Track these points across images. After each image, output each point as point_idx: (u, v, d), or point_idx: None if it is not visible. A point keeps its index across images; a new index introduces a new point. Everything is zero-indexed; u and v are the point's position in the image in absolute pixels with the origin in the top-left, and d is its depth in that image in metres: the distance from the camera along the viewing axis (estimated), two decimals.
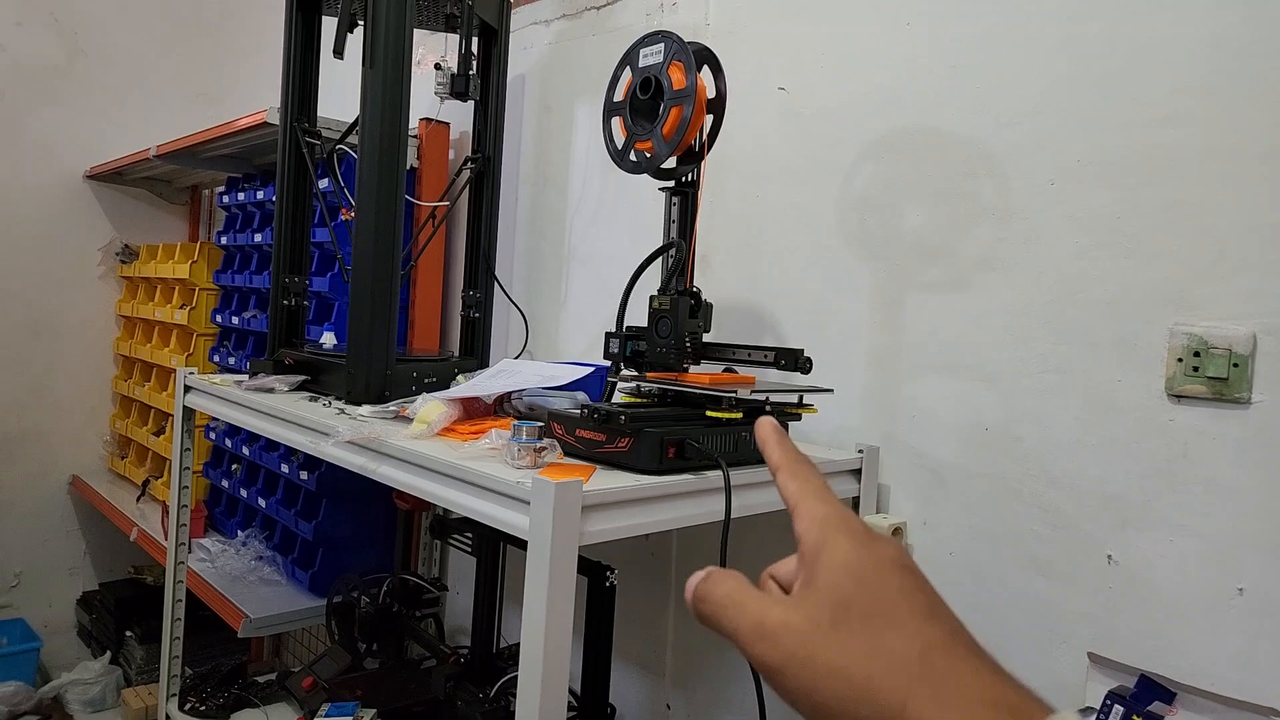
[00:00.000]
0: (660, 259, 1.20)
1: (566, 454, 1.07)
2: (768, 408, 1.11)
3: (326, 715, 1.37)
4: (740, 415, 1.04)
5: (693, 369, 1.16)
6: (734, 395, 1.05)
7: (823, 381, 1.33)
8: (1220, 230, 0.97)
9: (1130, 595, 1.02)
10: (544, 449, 1.01)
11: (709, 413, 1.03)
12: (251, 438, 2.10)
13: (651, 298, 1.14)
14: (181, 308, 2.50)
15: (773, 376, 1.40)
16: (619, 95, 1.19)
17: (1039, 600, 1.09)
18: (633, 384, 1.15)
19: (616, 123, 1.20)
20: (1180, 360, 0.98)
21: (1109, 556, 1.04)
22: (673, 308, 1.10)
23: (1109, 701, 0.95)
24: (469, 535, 1.50)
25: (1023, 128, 1.13)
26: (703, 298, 1.15)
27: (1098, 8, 1.07)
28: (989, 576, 1.14)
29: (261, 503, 2.05)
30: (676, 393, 1.11)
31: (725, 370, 1.22)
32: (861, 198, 1.31)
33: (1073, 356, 1.08)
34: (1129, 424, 1.03)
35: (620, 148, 1.18)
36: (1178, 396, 0.99)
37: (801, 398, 1.15)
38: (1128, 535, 1.02)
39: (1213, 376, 0.96)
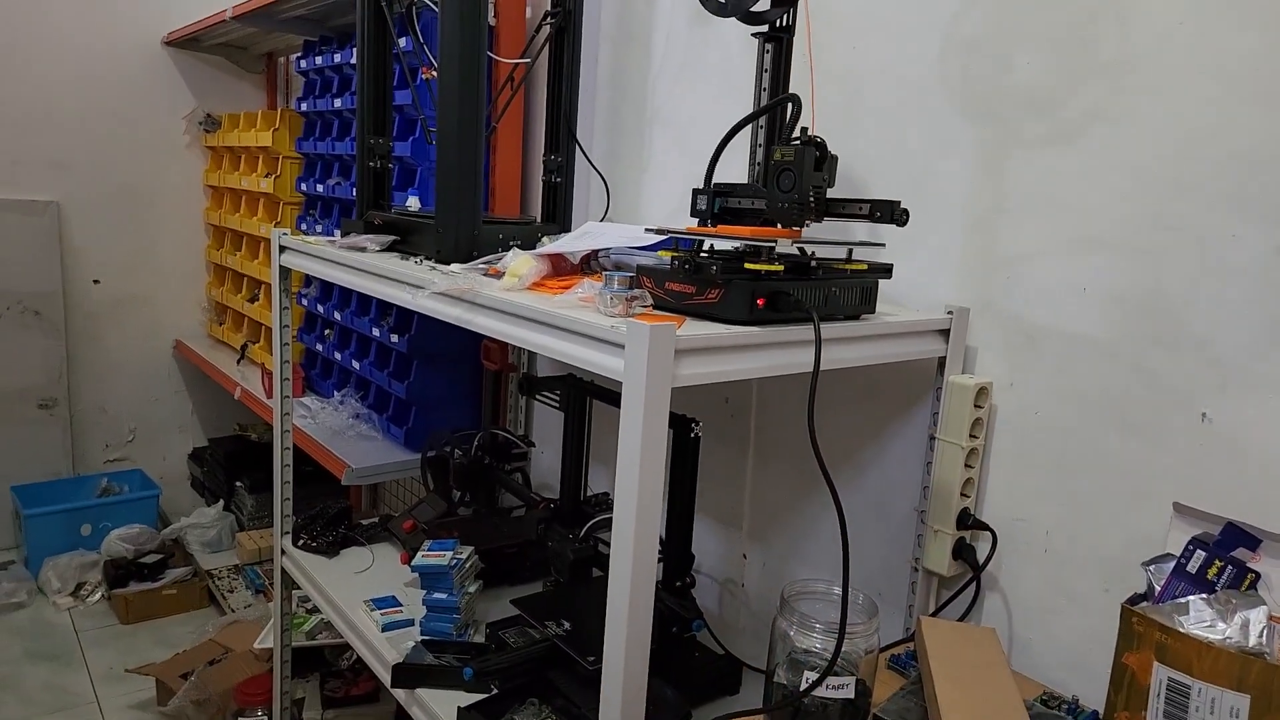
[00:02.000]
0: (768, 112, 1.15)
1: (656, 307, 1.08)
2: (813, 263, 1.08)
3: (429, 550, 1.48)
4: (781, 268, 1.01)
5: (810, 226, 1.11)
6: (773, 247, 1.02)
7: (919, 246, 1.30)
8: None
9: (1221, 451, 1.00)
10: (635, 298, 1.03)
11: (747, 265, 1.01)
12: (343, 302, 2.19)
13: (773, 149, 1.09)
14: (267, 176, 2.55)
15: (862, 234, 1.37)
16: None
17: (1128, 458, 1.09)
18: (668, 238, 1.12)
19: None
20: None
21: (1204, 415, 1.02)
22: (797, 159, 1.05)
23: (1191, 547, 0.96)
24: (557, 392, 1.56)
25: None
26: (829, 149, 1.09)
27: None
28: (1075, 436, 1.13)
29: (355, 365, 2.15)
30: (756, 248, 1.08)
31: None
32: (967, 44, 1.23)
33: (1188, 213, 1.02)
34: (1242, 281, 0.98)
35: None
36: None
37: (851, 252, 1.12)
38: (1226, 395, 1.00)
39: None
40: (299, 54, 2.41)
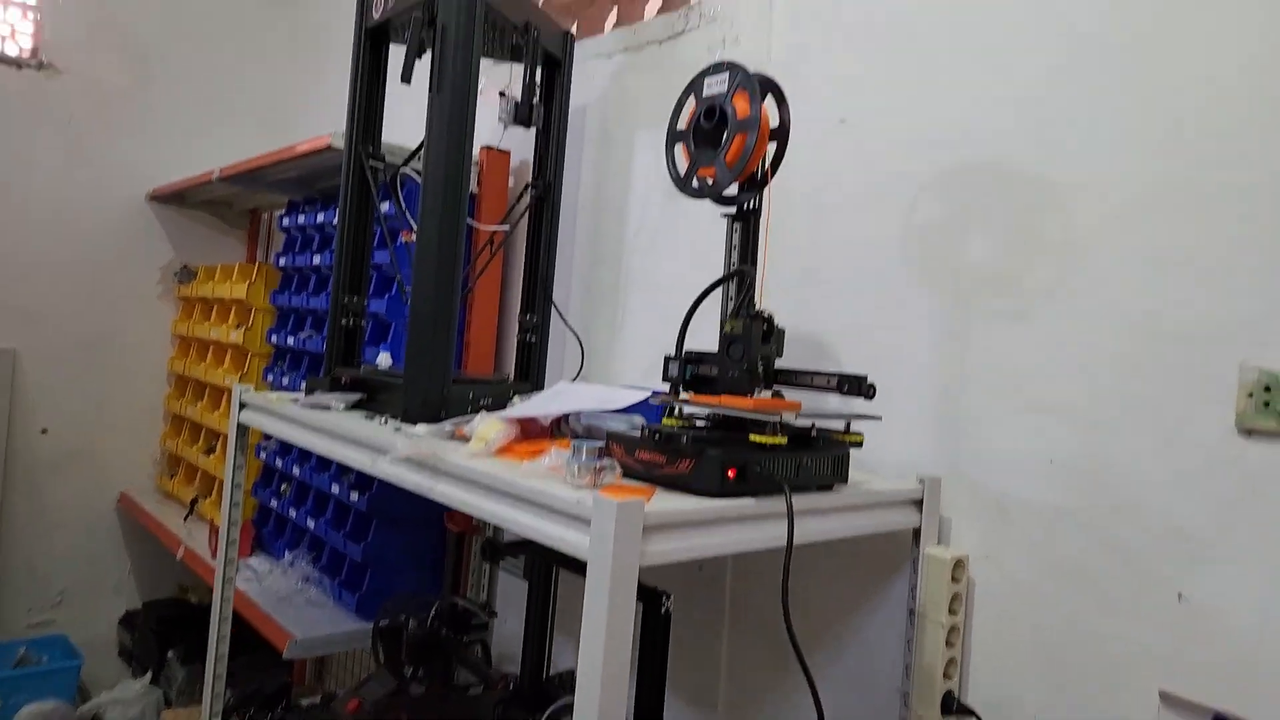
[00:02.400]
0: (724, 285, 1.20)
1: (625, 475, 1.06)
2: (814, 433, 1.09)
3: None
4: (784, 440, 1.02)
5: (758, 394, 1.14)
6: (779, 418, 1.03)
7: (886, 414, 1.31)
8: None
9: (1201, 633, 0.98)
10: (603, 469, 1.00)
11: (753, 437, 1.01)
12: (302, 457, 2.12)
13: (723, 321, 1.13)
14: (237, 327, 2.55)
15: (831, 404, 1.38)
16: (683, 123, 1.20)
17: (1107, 637, 1.05)
18: (674, 407, 1.13)
19: (680, 149, 1.21)
20: (1250, 395, 0.95)
21: (1179, 594, 1.00)
22: (745, 332, 1.08)
23: None
24: (520, 559, 1.49)
25: (1088, 161, 1.12)
26: (775, 323, 1.13)
27: (1167, 46, 1.06)
28: (1055, 612, 1.10)
29: (310, 523, 2.06)
30: (723, 418, 1.09)
31: (772, 395, 1.20)
32: (924, 228, 1.30)
33: (1141, 390, 1.05)
34: (1199, 459, 0.99)
35: (683, 174, 1.19)
36: (1248, 431, 0.96)
37: (849, 424, 1.13)
38: (1198, 572, 0.99)
39: None
40: (283, 211, 2.48)
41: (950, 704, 1.14)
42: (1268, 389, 0.94)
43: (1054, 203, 1.15)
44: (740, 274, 1.16)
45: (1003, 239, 1.20)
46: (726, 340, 1.10)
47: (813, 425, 1.08)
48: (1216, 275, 1.00)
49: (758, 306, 1.17)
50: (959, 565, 1.15)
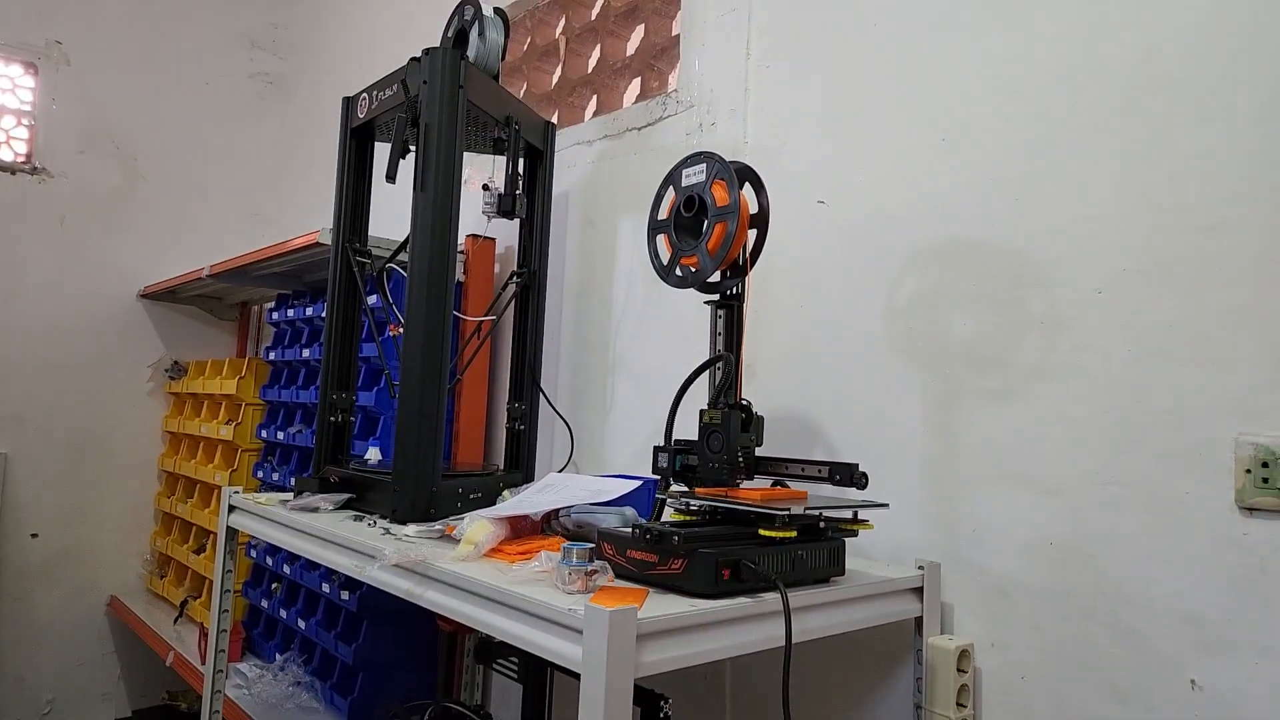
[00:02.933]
0: (708, 372, 1.20)
1: (617, 575, 1.03)
2: (822, 524, 1.07)
3: None
4: (794, 534, 1.01)
5: (745, 484, 1.13)
6: (787, 513, 1.02)
7: (877, 494, 1.30)
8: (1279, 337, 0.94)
9: None
10: (595, 572, 0.98)
11: (762, 531, 1.00)
12: (292, 556, 2.08)
13: (702, 412, 1.13)
14: (228, 423, 2.54)
15: (825, 490, 1.36)
16: (663, 214, 1.21)
17: None
18: (681, 501, 1.12)
19: (661, 240, 1.22)
20: (1249, 471, 0.94)
21: (1192, 681, 0.97)
22: (724, 422, 1.09)
23: None
24: (514, 660, 1.45)
25: (1068, 237, 1.13)
26: (754, 411, 1.13)
27: (1141, 120, 1.08)
28: (1066, 703, 1.06)
29: (301, 624, 2.00)
30: (727, 510, 1.08)
31: (775, 485, 1.18)
32: (908, 307, 1.31)
33: (1137, 467, 1.03)
34: (1201, 538, 0.97)
35: (666, 263, 1.20)
36: (1249, 509, 0.94)
37: (856, 513, 1.11)
38: (1211, 658, 0.95)
39: None
40: (272, 305, 2.50)
41: None
42: (1265, 465, 0.93)
43: (1036, 278, 1.16)
44: (720, 360, 1.16)
45: (987, 315, 1.21)
46: (706, 431, 1.10)
47: (820, 515, 1.07)
48: (1206, 349, 1.00)
49: (740, 393, 1.16)
50: (964, 655, 1.11)
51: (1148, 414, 1.03)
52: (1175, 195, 1.04)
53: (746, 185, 1.22)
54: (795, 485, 1.16)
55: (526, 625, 0.93)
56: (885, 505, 1.13)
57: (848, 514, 1.10)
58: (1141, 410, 1.04)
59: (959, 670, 1.10)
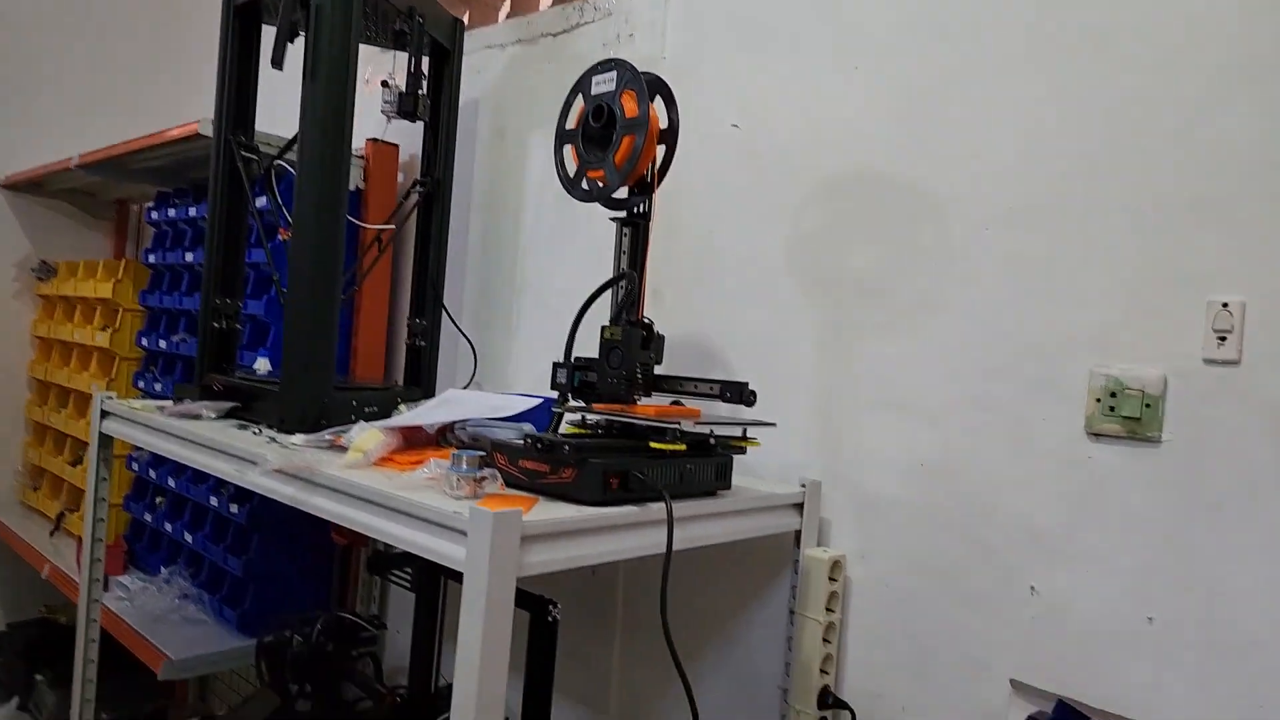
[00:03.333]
0: (611, 290, 1.19)
1: (509, 485, 1.04)
2: (713, 440, 1.10)
3: None
4: (684, 448, 1.03)
5: (642, 401, 1.14)
6: (678, 427, 1.04)
7: (770, 417, 1.34)
8: (1136, 276, 1.01)
9: (1050, 625, 1.04)
10: (484, 479, 0.98)
11: (653, 445, 1.02)
12: (178, 469, 2.00)
13: (603, 328, 1.12)
14: (103, 329, 2.38)
15: (721, 410, 1.40)
16: (571, 123, 1.18)
17: (967, 630, 1.11)
18: (578, 415, 1.13)
19: (569, 150, 1.19)
20: (1099, 400, 1.01)
21: (1032, 588, 1.06)
22: (625, 339, 1.09)
23: None
24: (408, 571, 1.45)
25: (962, 173, 1.16)
26: (654, 330, 1.14)
27: (1040, 68, 1.10)
28: (921, 607, 1.15)
29: (188, 537, 1.94)
30: (623, 424, 1.09)
31: (672, 403, 1.21)
32: (811, 236, 1.33)
33: (1003, 396, 1.10)
34: (1052, 461, 1.05)
35: (572, 175, 1.17)
36: (1096, 435, 1.02)
37: (745, 431, 1.14)
38: (1050, 567, 1.05)
39: (1127, 416, 0.99)
40: (151, 204, 2.33)
41: (826, 699, 1.17)
42: (1113, 394, 1.00)
43: (931, 212, 1.19)
44: (624, 278, 1.16)
45: (882, 248, 1.24)
46: (606, 347, 1.10)
47: (711, 432, 1.09)
48: (1070, 287, 1.06)
49: (641, 312, 1.17)
50: (836, 565, 1.18)
51: (1016, 346, 1.09)
52: (1061, 141, 1.08)
53: (658, 99, 1.20)
54: (690, 403, 1.18)
55: (413, 529, 0.93)
56: (773, 424, 1.17)
57: (738, 431, 1.13)
58: (1011, 343, 1.10)
59: (830, 579, 1.17)
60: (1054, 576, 1.04)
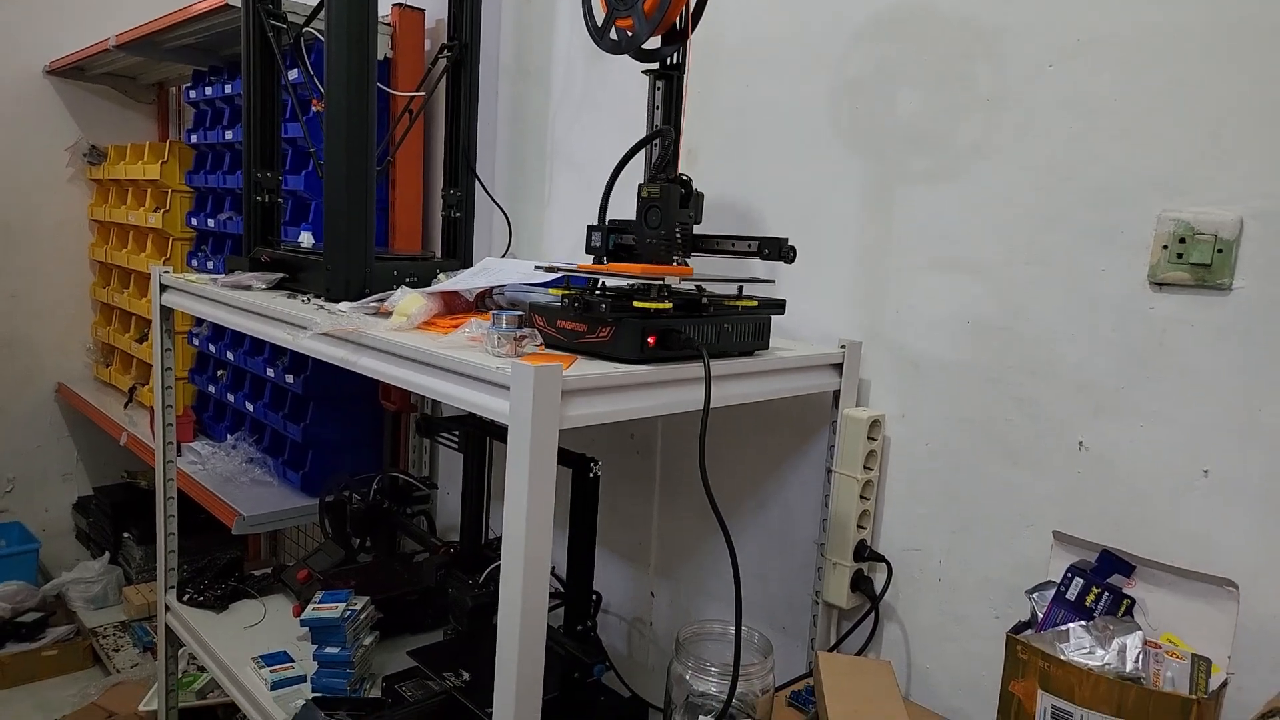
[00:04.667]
0: (646, 149, 1.16)
1: (547, 345, 1.06)
2: (704, 300, 1.08)
3: (320, 601, 1.40)
4: (669, 306, 1.01)
5: (678, 261, 1.12)
6: (664, 285, 1.02)
7: (812, 279, 1.32)
8: (1216, 113, 0.94)
9: (1097, 478, 1.04)
10: (524, 338, 1.00)
11: (636, 303, 1.01)
12: (235, 342, 2.09)
13: (640, 186, 1.10)
14: (155, 210, 2.43)
15: (757, 269, 1.39)
16: None
17: (1011, 486, 1.12)
18: (559, 275, 1.11)
19: None
20: (1165, 247, 0.97)
21: (1080, 442, 1.05)
22: (663, 196, 1.06)
23: (1069, 574, 0.98)
24: (455, 433, 1.51)
25: (1023, 5, 1.08)
26: (693, 187, 1.11)
27: None
28: (963, 465, 1.16)
29: (249, 407, 2.05)
30: (659, 285, 1.09)
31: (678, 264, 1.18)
32: (854, 84, 1.26)
33: (1059, 246, 1.06)
34: (1110, 313, 1.02)
35: (600, 24, 1.12)
36: (1160, 284, 0.98)
37: (741, 289, 1.13)
38: (1100, 422, 1.04)
39: (1196, 263, 0.95)
40: (189, 84, 2.32)
41: (863, 551, 1.21)
42: (1182, 240, 0.96)
43: (987, 50, 1.12)
44: (660, 134, 1.13)
45: (933, 92, 1.18)
46: (644, 206, 1.08)
47: (699, 289, 1.07)
48: (1140, 125, 0.99)
49: (679, 169, 1.14)
50: (875, 424, 1.19)
51: (1075, 194, 1.05)
52: None
53: None
54: (727, 262, 1.17)
55: (457, 385, 0.96)
56: (770, 281, 1.15)
57: (733, 290, 1.11)
58: (1069, 190, 1.05)
59: (869, 438, 1.19)
60: (1104, 431, 1.03)
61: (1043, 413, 1.08)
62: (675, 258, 1.11)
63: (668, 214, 1.07)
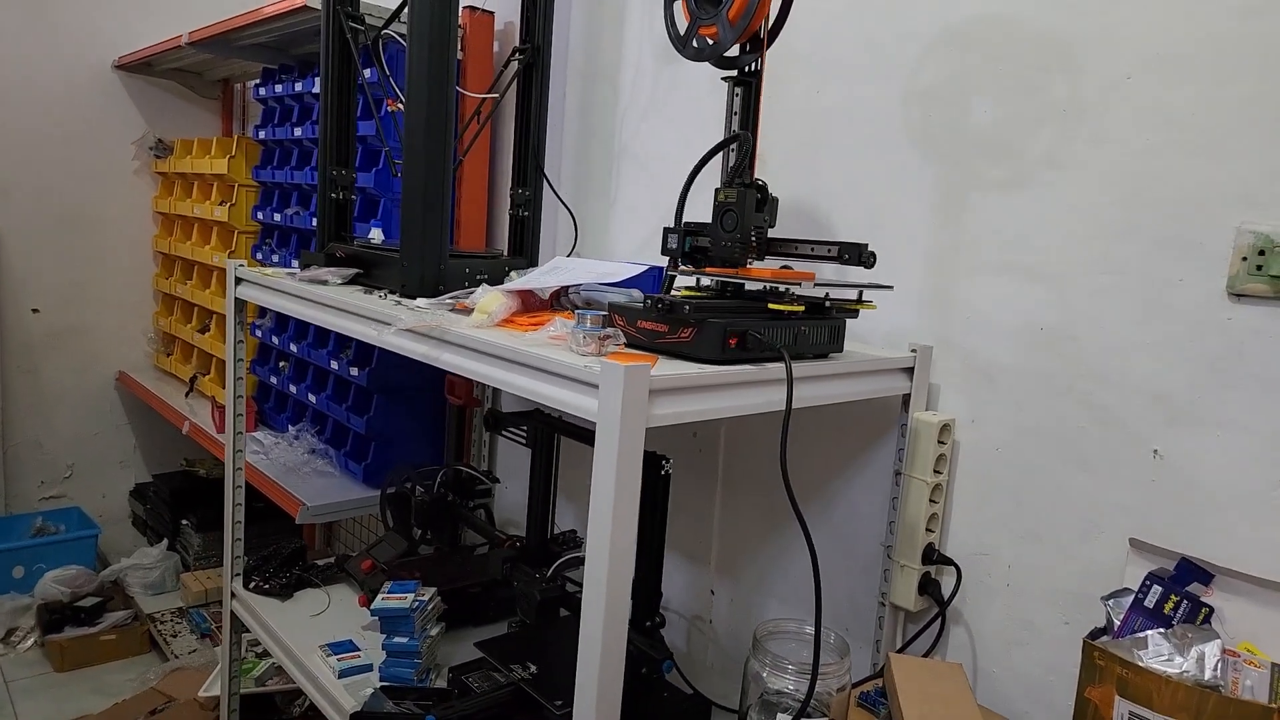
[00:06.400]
0: (722, 152, 1.18)
1: (628, 345, 1.08)
2: (828, 303, 1.12)
3: (389, 591, 1.44)
4: (802, 308, 1.05)
5: (754, 264, 1.15)
6: (798, 286, 1.05)
7: (882, 280, 1.33)
8: None
9: (1173, 487, 1.04)
10: (607, 337, 1.03)
11: (771, 305, 1.04)
12: (299, 334, 2.14)
13: (717, 190, 1.12)
14: (221, 204, 2.50)
15: (828, 274, 1.40)
16: None
17: (1082, 493, 1.12)
18: (692, 278, 1.15)
19: (679, 6, 1.16)
20: (1245, 259, 0.97)
21: (1155, 451, 1.05)
22: (739, 201, 1.08)
23: (1148, 582, 0.99)
24: (523, 429, 1.54)
25: (1102, 18, 1.09)
26: (769, 191, 1.13)
27: None
28: (1034, 471, 1.16)
29: (312, 398, 2.10)
30: (734, 286, 1.11)
31: (781, 268, 1.21)
32: (927, 92, 1.27)
33: (1134, 257, 1.07)
34: (1186, 323, 1.02)
35: (683, 33, 1.15)
36: (1238, 295, 0.98)
37: (861, 293, 1.15)
38: (1175, 431, 1.04)
39: (1276, 275, 0.95)
40: (257, 81, 2.38)
41: (931, 555, 1.22)
42: (1261, 253, 0.96)
43: (1065, 62, 1.12)
44: (738, 140, 1.15)
45: (1008, 101, 1.18)
46: (720, 209, 1.10)
47: (826, 295, 1.11)
48: (1219, 138, 0.99)
49: (754, 173, 1.16)
50: (945, 429, 1.20)
51: (1150, 205, 1.05)
52: None
53: None
54: (802, 267, 1.19)
55: (544, 383, 0.99)
56: (889, 287, 1.17)
57: (853, 294, 1.14)
58: (1145, 201, 1.06)
59: (939, 442, 1.20)
60: (1180, 440, 1.03)
61: (1115, 420, 1.09)
62: (749, 260, 1.13)
63: (743, 218, 1.10)
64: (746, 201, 1.10)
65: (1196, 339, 1.02)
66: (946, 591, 1.23)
